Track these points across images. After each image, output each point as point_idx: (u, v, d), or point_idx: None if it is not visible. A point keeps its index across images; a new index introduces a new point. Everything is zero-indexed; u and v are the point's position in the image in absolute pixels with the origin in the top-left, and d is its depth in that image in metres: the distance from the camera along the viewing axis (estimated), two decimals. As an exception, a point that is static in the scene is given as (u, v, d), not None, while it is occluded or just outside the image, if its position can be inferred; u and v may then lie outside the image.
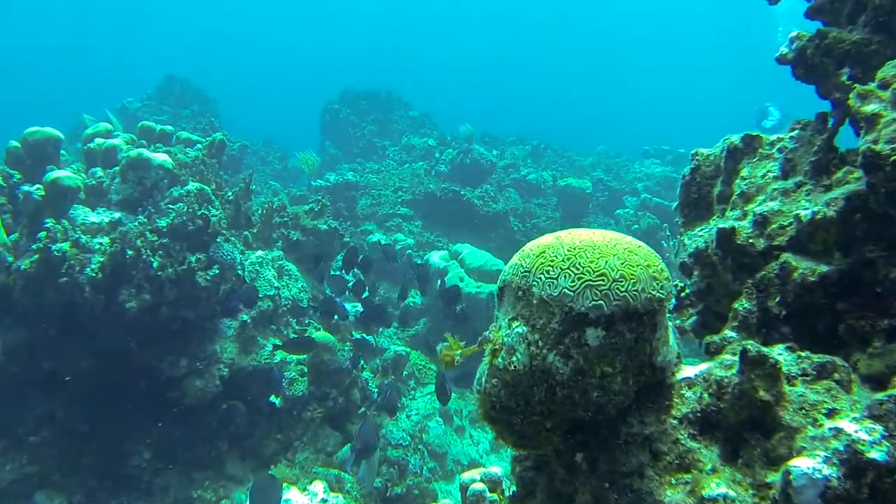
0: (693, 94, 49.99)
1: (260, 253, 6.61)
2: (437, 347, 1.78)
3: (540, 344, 1.60)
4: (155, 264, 5.27)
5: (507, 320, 1.71)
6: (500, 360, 1.67)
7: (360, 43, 52.12)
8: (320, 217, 7.46)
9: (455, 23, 53.04)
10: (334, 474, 5.21)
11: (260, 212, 6.97)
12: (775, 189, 2.01)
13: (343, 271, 6.91)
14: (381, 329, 8.58)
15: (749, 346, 1.59)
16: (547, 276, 1.61)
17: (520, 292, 1.68)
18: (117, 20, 46.83)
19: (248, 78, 47.90)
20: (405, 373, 8.11)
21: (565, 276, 1.58)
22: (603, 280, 1.57)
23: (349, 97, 20.11)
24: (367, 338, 7.84)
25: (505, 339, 1.67)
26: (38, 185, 5.44)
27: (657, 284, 1.63)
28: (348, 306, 8.41)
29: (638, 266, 1.61)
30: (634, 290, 1.58)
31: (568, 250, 1.63)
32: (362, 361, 6.60)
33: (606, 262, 1.59)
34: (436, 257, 9.94)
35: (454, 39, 54.15)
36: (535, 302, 1.63)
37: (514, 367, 1.63)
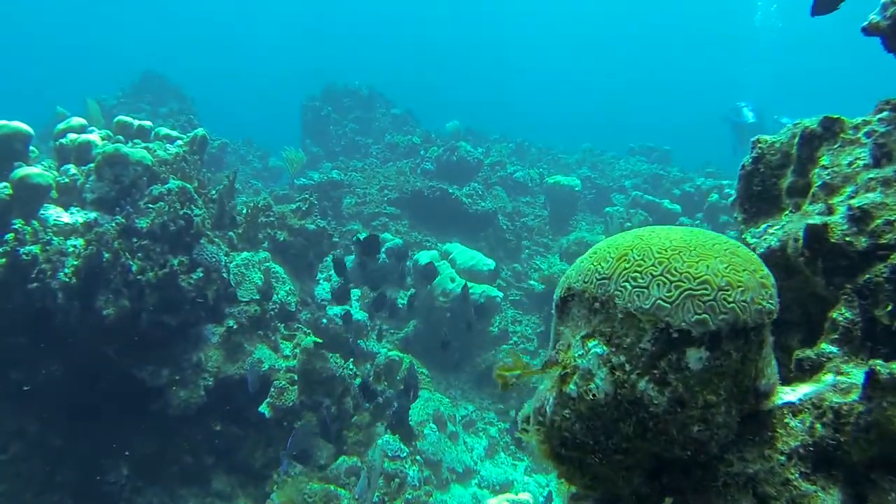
0: (671, 92, 50.12)
1: (245, 254, 6.25)
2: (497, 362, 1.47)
3: (627, 368, 1.29)
4: (134, 268, 4.90)
5: (579, 338, 1.40)
6: (572, 386, 1.36)
7: (341, 41, 51.61)
8: (308, 216, 7.11)
9: (435, 21, 52.67)
10: (330, 491, 4.88)
11: (245, 211, 6.61)
12: (871, 179, 1.72)
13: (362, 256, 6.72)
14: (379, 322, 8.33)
15: (879, 368, 1.30)
16: (634, 284, 1.31)
17: (596, 303, 1.37)
18: (91, 15, 45.84)
19: (227, 76, 47.19)
20: (398, 377, 7.79)
21: (659, 285, 1.28)
22: (706, 289, 1.27)
23: (330, 94, 19.74)
24: (359, 343, 7.52)
25: (578, 360, 1.37)
26: (4, 184, 5.04)
27: (766, 293, 1.33)
28: (338, 310, 8.09)
29: (744, 271, 1.32)
30: (743, 301, 1.28)
31: (659, 252, 1.32)
32: (354, 368, 6.26)
33: (708, 265, 1.29)
34: (425, 258, 9.61)
35: (434, 37, 53.78)
36: (619, 316, 1.32)
37: (593, 395, 1.32)
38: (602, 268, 1.38)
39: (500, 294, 9.27)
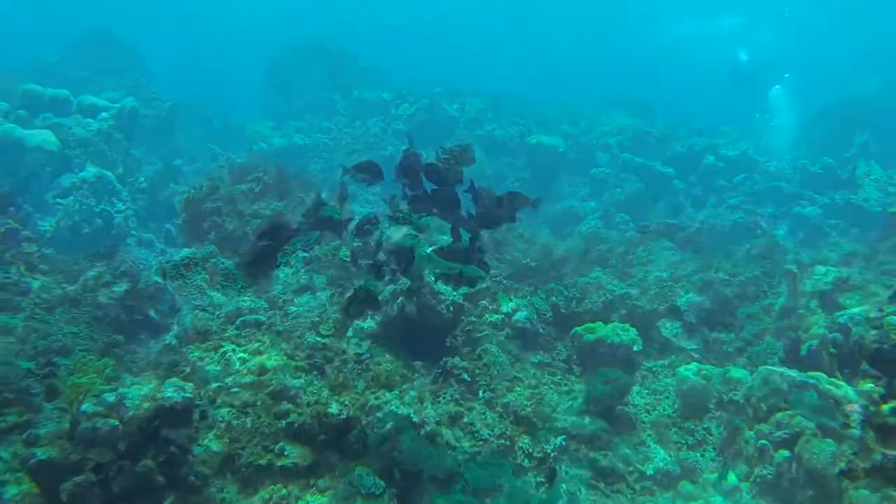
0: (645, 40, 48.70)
1: (186, 251, 5.24)
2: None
3: None
4: (36, 285, 3.90)
5: None
6: None
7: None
8: (262, 198, 6.09)
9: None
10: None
11: (186, 197, 5.57)
12: None
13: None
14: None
15: None
16: None
17: None
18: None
19: (186, 31, 44.82)
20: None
21: None
22: None
23: (296, 50, 18.48)
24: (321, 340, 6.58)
25: None
26: None
27: None
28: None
29: None
30: None
31: None
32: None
33: None
34: (398, 233, 8.62)
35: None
36: None
37: None
38: None
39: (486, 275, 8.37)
